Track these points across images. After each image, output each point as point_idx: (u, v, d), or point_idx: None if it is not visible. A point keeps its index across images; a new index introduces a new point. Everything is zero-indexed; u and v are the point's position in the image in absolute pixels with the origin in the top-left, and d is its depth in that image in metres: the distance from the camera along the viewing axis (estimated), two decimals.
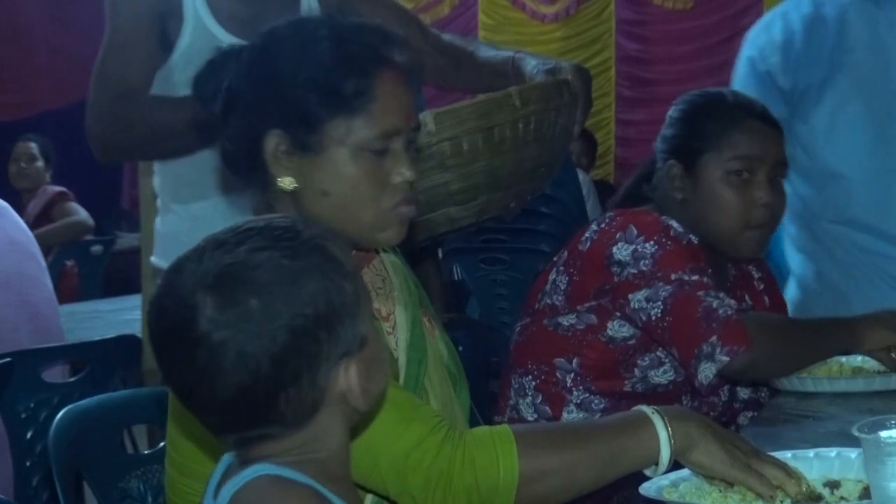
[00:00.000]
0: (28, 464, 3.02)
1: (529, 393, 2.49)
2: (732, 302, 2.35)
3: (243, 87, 1.77)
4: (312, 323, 1.30)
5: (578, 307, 2.46)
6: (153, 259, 2.68)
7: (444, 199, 2.31)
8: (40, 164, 7.47)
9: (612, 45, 10.08)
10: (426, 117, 2.19)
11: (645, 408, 1.72)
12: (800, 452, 1.77)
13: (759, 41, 3.03)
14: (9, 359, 2.91)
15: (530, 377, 2.49)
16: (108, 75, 2.49)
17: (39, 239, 3.70)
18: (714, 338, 2.27)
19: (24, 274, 3.38)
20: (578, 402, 2.46)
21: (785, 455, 1.76)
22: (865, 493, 1.59)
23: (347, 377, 1.34)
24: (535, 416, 2.48)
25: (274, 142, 1.76)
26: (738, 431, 2.12)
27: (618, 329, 2.43)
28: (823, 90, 2.92)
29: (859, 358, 2.45)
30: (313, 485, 1.32)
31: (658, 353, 2.43)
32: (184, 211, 2.60)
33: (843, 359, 2.45)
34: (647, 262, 2.36)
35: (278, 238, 1.33)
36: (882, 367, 2.40)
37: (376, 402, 1.44)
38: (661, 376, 2.44)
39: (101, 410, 2.08)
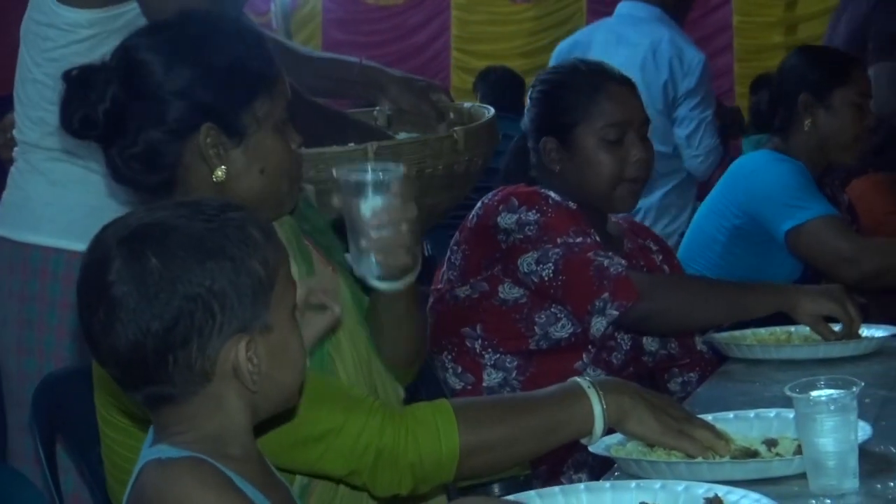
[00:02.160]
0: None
1: (450, 367, 2.62)
2: (622, 260, 2.49)
3: (129, 96, 1.78)
4: (207, 294, 1.34)
5: (472, 279, 2.59)
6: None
7: None
8: None
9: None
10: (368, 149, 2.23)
11: (581, 381, 1.81)
12: (741, 413, 1.88)
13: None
14: None
15: (446, 352, 2.63)
16: None
17: None
18: (606, 294, 2.43)
19: None
20: (493, 363, 2.59)
21: (727, 416, 1.87)
22: (800, 450, 1.66)
23: (238, 352, 1.36)
24: (462, 384, 2.61)
25: (204, 135, 1.79)
26: (677, 398, 2.22)
27: (508, 291, 2.57)
28: None
29: (807, 329, 2.53)
30: (205, 458, 1.35)
31: (553, 310, 2.55)
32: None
33: (793, 328, 2.54)
34: (531, 227, 2.51)
35: (202, 212, 1.38)
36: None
37: (286, 393, 1.45)
38: (561, 331, 2.56)
39: (80, 377, 2.15)
